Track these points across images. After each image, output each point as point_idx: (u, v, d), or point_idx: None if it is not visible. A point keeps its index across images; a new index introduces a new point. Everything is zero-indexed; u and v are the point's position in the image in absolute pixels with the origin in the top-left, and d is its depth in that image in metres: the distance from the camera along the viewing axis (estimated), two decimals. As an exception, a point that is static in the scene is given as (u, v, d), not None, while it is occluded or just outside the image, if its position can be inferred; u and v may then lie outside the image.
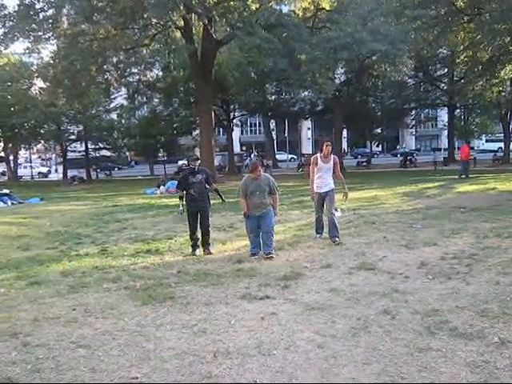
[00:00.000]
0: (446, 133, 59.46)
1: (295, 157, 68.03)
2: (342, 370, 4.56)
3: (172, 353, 5.13)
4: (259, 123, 73.36)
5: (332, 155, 10.67)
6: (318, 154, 10.69)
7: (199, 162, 10.44)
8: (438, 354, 4.80)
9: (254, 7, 30.75)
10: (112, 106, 50.20)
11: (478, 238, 10.13)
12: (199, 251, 10.08)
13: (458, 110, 56.40)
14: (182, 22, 30.80)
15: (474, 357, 4.69)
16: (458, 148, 40.29)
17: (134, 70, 38.74)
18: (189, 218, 10.24)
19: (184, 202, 10.14)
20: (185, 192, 10.11)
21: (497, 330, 5.21)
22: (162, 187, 26.87)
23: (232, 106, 48.93)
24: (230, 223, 13.91)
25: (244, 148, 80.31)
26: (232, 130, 50.38)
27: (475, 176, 28.18)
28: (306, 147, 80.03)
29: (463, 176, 27.47)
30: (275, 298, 6.78)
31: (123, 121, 51.70)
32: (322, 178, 10.55)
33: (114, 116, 52.15)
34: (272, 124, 58.32)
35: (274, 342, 5.27)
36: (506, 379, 4.29)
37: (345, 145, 65.31)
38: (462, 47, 38.58)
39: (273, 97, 50.86)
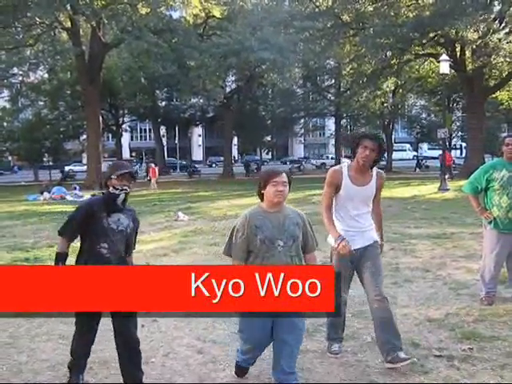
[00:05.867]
0: (333, 141, 61.41)
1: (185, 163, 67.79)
2: (220, 375, 4.58)
3: (46, 365, 4.92)
4: (149, 129, 72.50)
5: (375, 170, 4.92)
6: (345, 165, 4.97)
7: (130, 185, 4.36)
8: (315, 355, 4.93)
9: (143, 11, 30.47)
10: (-8, 107, 47.80)
11: (358, 243, 10.48)
12: None
13: (345, 120, 58.45)
14: (69, 23, 29.95)
15: (348, 356, 4.85)
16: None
17: (17, 71, 37.15)
18: (77, 322, 4.43)
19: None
20: (80, 245, 4.36)
21: (370, 331, 5.40)
22: (45, 193, 25.85)
23: (121, 111, 48.13)
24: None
25: (134, 154, 79.08)
26: (121, 135, 49.54)
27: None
28: (197, 154, 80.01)
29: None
30: (157, 305, 6.65)
31: (5, 124, 49.36)
32: (352, 218, 4.89)
33: (-6, 118, 49.65)
34: (162, 130, 57.85)
35: (153, 350, 5.18)
36: (376, 376, 4.48)
37: (235, 152, 65.84)
38: (347, 60, 39.88)
39: (163, 103, 50.54)
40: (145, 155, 74.87)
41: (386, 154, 53.73)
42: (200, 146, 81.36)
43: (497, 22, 29.68)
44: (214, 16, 36.41)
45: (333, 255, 4.97)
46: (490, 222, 6.41)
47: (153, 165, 36.79)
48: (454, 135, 51.91)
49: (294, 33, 33.82)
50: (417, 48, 34.58)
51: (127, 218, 4.37)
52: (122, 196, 4.27)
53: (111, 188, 4.26)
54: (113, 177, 4.27)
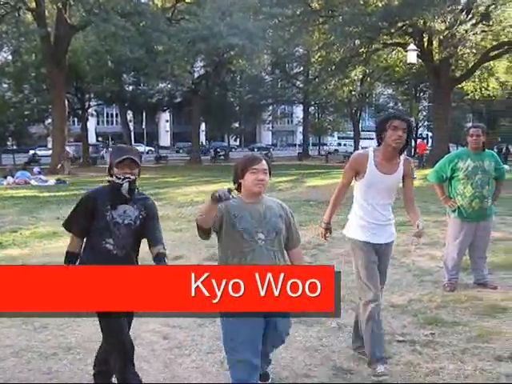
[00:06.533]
0: (301, 129, 61.62)
1: (153, 149, 67.31)
2: (186, 360, 4.59)
3: (9, 350, 4.87)
4: (116, 114, 71.64)
5: (403, 157, 4.46)
6: (371, 149, 4.47)
7: (137, 170, 3.85)
8: (281, 341, 4.96)
9: (111, -7, 30.04)
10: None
11: (324, 230, 10.57)
12: None
13: (313, 108, 58.67)
14: (34, 4, 29.40)
15: (313, 341, 4.90)
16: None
17: (-21, 53, 36.45)
18: (101, 320, 3.89)
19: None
20: (85, 240, 3.96)
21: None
22: (9, 177, 25.42)
23: (87, 95, 47.36)
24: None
25: (100, 139, 78.15)
26: (87, 119, 48.85)
27: (326, 171, 29.56)
28: (164, 139, 79.47)
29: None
30: (123, 290, 6.61)
31: (-33, 106, 48.32)
32: (375, 209, 4.43)
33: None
34: (129, 115, 57.24)
35: (118, 335, 5.17)
36: (340, 361, 4.55)
37: (203, 138, 65.60)
38: (316, 47, 40.00)
39: (130, 87, 49.92)
40: (111, 140, 74.08)
41: (353, 143, 54.50)
42: (167, 131, 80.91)
43: (464, 13, 30.09)
44: (183, 0, 36.11)
45: (356, 250, 4.46)
46: (453, 211, 6.52)
47: (110, 150, 36.59)
48: (420, 125, 52.48)
49: (263, 19, 33.80)
50: (385, 37, 34.85)
51: (136, 209, 3.89)
52: (126, 185, 3.78)
53: (114, 177, 3.82)
54: (113, 165, 3.81)
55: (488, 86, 39.32)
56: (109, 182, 3.89)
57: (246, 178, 3.66)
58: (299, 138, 67.76)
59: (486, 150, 6.56)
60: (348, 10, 31.52)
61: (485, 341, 4.93)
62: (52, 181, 24.61)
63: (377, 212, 4.42)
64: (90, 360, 4.61)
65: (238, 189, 3.74)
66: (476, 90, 40.87)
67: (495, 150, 30.71)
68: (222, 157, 53.24)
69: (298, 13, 34.99)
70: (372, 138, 70.29)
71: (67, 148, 32.74)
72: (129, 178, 3.76)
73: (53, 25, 31.84)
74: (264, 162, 3.68)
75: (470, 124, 34.10)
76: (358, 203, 4.49)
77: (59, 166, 31.28)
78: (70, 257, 3.88)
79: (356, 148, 51.30)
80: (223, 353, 4.51)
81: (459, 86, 37.75)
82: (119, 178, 3.77)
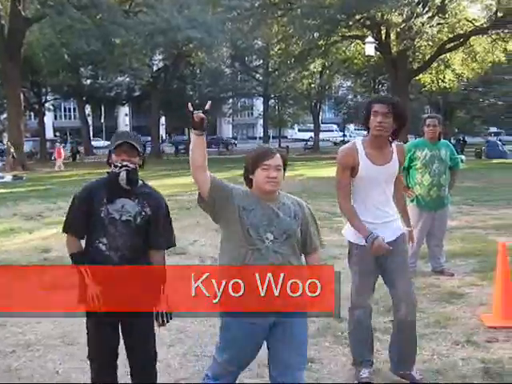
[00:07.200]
0: (261, 122, 61.70)
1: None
2: (162, 350, 4.54)
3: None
4: (74, 108, 70.53)
5: (395, 144, 4.08)
6: (358, 141, 4.10)
7: (138, 160, 3.43)
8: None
9: (66, -14, 29.55)
10: None
11: (286, 221, 10.61)
12: None
13: (273, 101, 58.77)
14: (-14, -4, 28.77)
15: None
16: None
17: None
18: (90, 334, 3.53)
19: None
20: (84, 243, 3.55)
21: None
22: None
23: (44, 89, 46.62)
24: (38, 211, 13.29)
25: (58, 133, 76.87)
26: (44, 114, 48.07)
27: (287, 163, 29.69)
28: (124, 134, 78.56)
29: None
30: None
31: None
32: (375, 206, 4.04)
33: None
34: (88, 109, 56.47)
35: (79, 331, 5.08)
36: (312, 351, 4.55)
37: (163, 132, 65.21)
38: (276, 40, 40.00)
39: (88, 81, 49.31)
40: (69, 135, 72.90)
41: (313, 135, 54.81)
42: (127, 125, 79.84)
43: (420, 6, 30.40)
44: (140, -8, 35.74)
45: (353, 254, 4.08)
46: (412, 200, 6.63)
47: (58, 144, 36.42)
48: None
49: (221, 12, 33.72)
50: (343, 30, 34.95)
51: (137, 204, 3.40)
52: (124, 174, 3.30)
53: (112, 166, 3.38)
54: (112, 152, 3.39)
55: (444, 77, 39.85)
56: (107, 173, 3.48)
57: (257, 174, 3.21)
58: (260, 130, 67.79)
59: (442, 139, 6.70)
60: (306, 3, 31.57)
61: (442, 326, 5.05)
62: (8, 177, 24.18)
63: (379, 210, 3.99)
64: (49, 356, 4.62)
65: (249, 185, 3.33)
66: (433, 82, 41.41)
67: (453, 141, 31.28)
68: (184, 151, 52.96)
69: (256, 5, 34.83)
70: (332, 130, 70.96)
71: (9, 143, 32.12)
72: (127, 165, 3.32)
73: (6, 17, 31.17)
74: (278, 156, 3.22)
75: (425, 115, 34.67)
76: (357, 203, 4.06)
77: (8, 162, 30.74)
78: (78, 257, 3.41)
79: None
80: (186, 345, 4.56)
81: (417, 78, 38.18)
82: (116, 167, 3.33)
